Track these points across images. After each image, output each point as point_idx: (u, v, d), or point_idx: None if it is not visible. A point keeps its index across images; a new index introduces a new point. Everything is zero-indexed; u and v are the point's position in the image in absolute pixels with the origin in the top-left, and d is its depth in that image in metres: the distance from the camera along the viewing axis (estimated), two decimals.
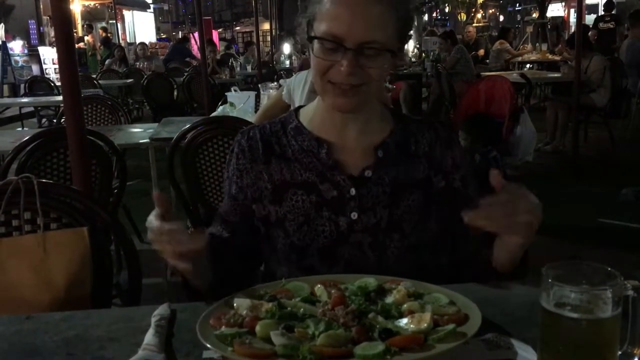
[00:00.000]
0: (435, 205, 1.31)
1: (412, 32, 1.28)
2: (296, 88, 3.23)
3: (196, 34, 8.75)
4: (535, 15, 19.89)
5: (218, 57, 12.10)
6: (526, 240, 1.09)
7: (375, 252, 1.26)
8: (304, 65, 4.44)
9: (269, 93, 3.86)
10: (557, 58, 10.62)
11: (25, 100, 8.65)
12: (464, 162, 1.36)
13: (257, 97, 4.12)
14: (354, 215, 1.25)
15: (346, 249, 1.26)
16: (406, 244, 1.27)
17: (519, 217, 1.04)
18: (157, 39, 22.15)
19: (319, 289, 1.06)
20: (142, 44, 13.51)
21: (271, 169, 1.30)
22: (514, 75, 7.63)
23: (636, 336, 0.85)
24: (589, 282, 0.81)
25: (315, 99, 1.35)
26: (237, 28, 33.09)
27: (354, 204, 1.26)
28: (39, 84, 9.51)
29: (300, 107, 1.40)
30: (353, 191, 1.26)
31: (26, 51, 13.98)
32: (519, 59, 11.38)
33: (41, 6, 18.35)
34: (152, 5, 29.45)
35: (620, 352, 0.84)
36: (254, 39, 10.84)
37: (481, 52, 11.85)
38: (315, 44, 1.19)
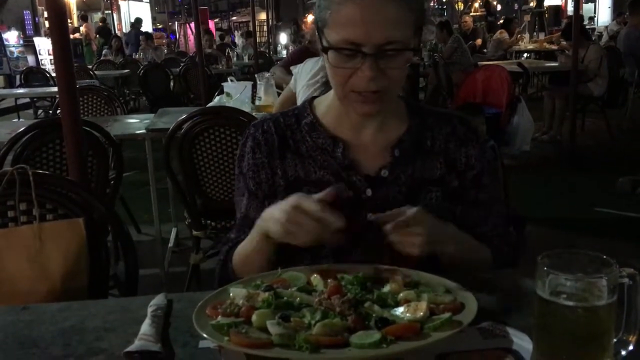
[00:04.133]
0: (447, 205, 1.26)
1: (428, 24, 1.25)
2: (301, 76, 3.09)
3: (192, 24, 8.71)
4: (532, 4, 19.83)
5: (215, 46, 12.07)
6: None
7: (391, 253, 1.20)
8: (292, 59, 4.33)
9: (266, 83, 3.83)
10: (554, 47, 10.60)
11: (20, 91, 8.63)
12: (480, 162, 1.28)
13: (254, 87, 4.10)
14: (370, 216, 1.19)
15: (362, 249, 1.22)
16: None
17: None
18: (154, 29, 22.05)
19: (315, 278, 1.06)
20: (148, 33, 13.46)
21: (286, 164, 1.26)
22: (511, 65, 7.61)
23: (631, 324, 0.85)
24: (584, 270, 0.81)
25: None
26: (234, 18, 32.88)
27: (369, 205, 1.21)
28: (35, 74, 9.50)
29: (314, 97, 1.35)
30: (369, 192, 1.23)
31: (21, 42, 13.90)
32: (516, 47, 11.36)
33: None
34: None
35: (615, 340, 0.84)
36: (251, 29, 10.79)
37: (479, 41, 11.80)
38: (331, 53, 1.13)
